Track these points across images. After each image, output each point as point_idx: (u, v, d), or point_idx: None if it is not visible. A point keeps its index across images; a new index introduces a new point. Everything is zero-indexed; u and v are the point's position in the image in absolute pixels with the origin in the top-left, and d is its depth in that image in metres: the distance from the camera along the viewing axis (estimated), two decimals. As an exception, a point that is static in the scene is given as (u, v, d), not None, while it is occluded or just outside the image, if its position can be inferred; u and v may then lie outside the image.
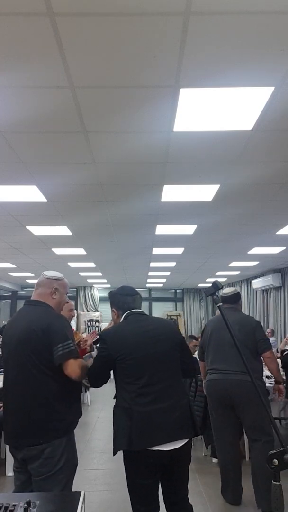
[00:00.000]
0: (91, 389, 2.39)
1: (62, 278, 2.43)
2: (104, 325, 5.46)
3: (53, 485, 2.09)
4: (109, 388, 2.49)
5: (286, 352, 5.84)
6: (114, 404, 2.27)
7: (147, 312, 2.49)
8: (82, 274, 11.74)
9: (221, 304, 2.14)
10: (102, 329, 3.81)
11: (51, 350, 2.14)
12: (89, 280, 13.69)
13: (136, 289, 2.52)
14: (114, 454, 2.19)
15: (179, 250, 8.00)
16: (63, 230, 6.28)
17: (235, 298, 3.59)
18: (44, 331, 2.16)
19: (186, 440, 2.17)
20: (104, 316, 15.44)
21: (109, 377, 2.34)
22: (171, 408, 2.15)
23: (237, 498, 3.41)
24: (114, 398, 2.31)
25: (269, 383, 4.99)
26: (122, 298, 2.42)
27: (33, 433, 2.13)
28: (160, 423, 2.12)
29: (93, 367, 2.31)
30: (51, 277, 2.38)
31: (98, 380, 2.31)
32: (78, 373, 2.15)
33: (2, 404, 4.36)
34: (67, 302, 2.71)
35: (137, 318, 2.35)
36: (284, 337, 9.47)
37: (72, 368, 2.14)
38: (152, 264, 9.87)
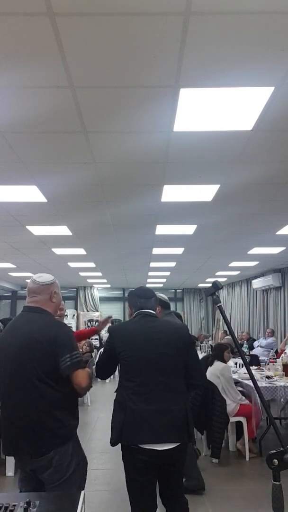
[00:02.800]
0: (91, 389, 2.39)
1: (55, 280, 2.39)
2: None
3: (68, 489, 2.08)
4: (109, 388, 2.50)
5: None
6: (115, 397, 2.34)
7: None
8: (82, 274, 11.74)
9: (220, 304, 2.14)
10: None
11: (57, 361, 2.09)
12: (89, 280, 13.68)
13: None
14: (111, 445, 2.26)
15: (179, 250, 8.00)
16: (63, 230, 6.28)
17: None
18: (50, 341, 2.11)
19: (177, 443, 2.20)
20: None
21: (115, 370, 2.46)
22: (162, 411, 2.18)
23: None
24: (115, 392, 2.37)
25: (269, 383, 5.00)
26: (136, 298, 2.48)
27: (35, 443, 2.10)
28: (150, 423, 2.16)
29: (100, 359, 2.45)
30: (47, 282, 2.31)
31: (104, 372, 2.47)
32: (87, 383, 2.14)
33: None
34: None
35: (145, 319, 2.39)
36: (284, 337, 9.47)
37: (81, 377, 2.11)
38: (152, 264, 9.87)
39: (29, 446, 2.11)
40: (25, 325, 2.22)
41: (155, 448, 2.14)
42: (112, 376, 2.76)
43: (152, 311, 2.45)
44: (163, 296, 3.34)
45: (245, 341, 9.98)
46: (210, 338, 12.40)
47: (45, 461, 2.09)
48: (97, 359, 2.49)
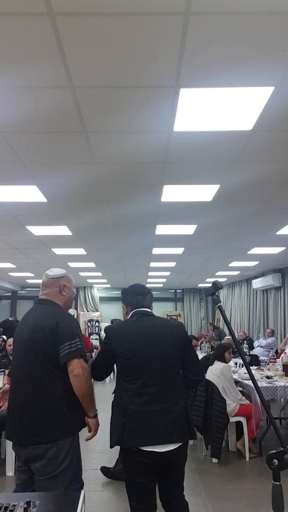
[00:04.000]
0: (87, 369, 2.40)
1: (66, 273, 2.45)
2: (104, 325, 5.45)
3: (55, 485, 2.09)
4: (109, 388, 2.50)
5: None
6: (112, 399, 2.31)
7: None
8: (82, 274, 11.74)
9: (220, 304, 2.14)
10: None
11: (57, 349, 2.13)
12: (89, 280, 13.68)
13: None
14: (110, 447, 2.24)
15: (179, 250, 8.00)
16: (63, 230, 6.28)
17: None
18: (52, 329, 2.16)
19: (179, 444, 2.18)
20: (104, 316, 15.45)
21: (111, 371, 2.41)
22: (164, 412, 2.17)
23: None
24: (112, 393, 2.35)
25: (269, 383, 5.00)
26: (132, 296, 2.44)
27: (36, 431, 2.13)
28: (152, 425, 2.14)
29: (96, 360, 2.41)
30: (56, 275, 2.39)
31: (100, 373, 2.41)
32: (79, 373, 2.13)
33: (1, 404, 4.37)
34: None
35: (143, 318, 2.36)
36: (284, 337, 9.46)
37: (75, 366, 2.13)
38: (152, 264, 9.87)
39: (29, 432, 2.14)
40: (33, 316, 2.31)
41: (156, 450, 2.12)
42: (112, 376, 2.74)
43: (149, 310, 2.43)
44: None
45: (242, 341, 9.97)
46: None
47: (41, 450, 2.10)
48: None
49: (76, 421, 2.22)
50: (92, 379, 2.38)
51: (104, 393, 8.07)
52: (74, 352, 2.13)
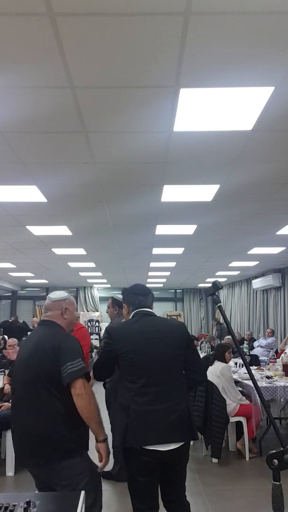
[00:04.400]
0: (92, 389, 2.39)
1: (68, 297, 2.46)
2: (105, 325, 5.44)
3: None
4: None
5: None
6: (115, 399, 2.33)
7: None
8: (82, 274, 11.74)
9: (220, 304, 2.14)
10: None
11: (59, 369, 2.10)
12: (89, 280, 13.68)
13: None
14: (113, 447, 2.25)
15: (179, 250, 8.00)
16: (63, 230, 6.28)
17: None
18: (54, 348, 2.14)
19: (181, 443, 2.18)
20: (104, 316, 15.42)
21: (113, 371, 2.40)
22: (166, 411, 2.17)
23: None
24: (115, 392, 2.35)
25: (269, 383, 5.00)
26: (134, 296, 2.44)
27: (32, 452, 2.11)
28: (155, 424, 2.14)
29: (98, 360, 2.41)
30: (58, 298, 2.40)
31: (102, 374, 2.43)
32: (82, 392, 2.07)
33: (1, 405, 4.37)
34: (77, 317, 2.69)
35: (144, 318, 2.36)
36: (284, 337, 9.46)
37: (78, 386, 2.08)
38: (152, 264, 9.86)
39: (28, 454, 2.13)
40: (36, 336, 2.33)
41: (158, 449, 2.12)
42: None
43: (150, 310, 2.43)
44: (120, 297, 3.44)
45: (249, 340, 10.01)
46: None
47: (52, 473, 2.09)
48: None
49: (76, 443, 2.16)
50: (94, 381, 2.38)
51: (104, 393, 8.06)
52: (77, 372, 2.10)
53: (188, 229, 6.28)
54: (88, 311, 15.79)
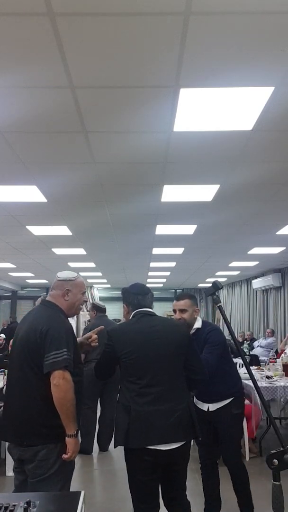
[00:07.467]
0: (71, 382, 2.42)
1: (75, 278, 2.35)
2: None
3: (47, 487, 2.05)
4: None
5: None
6: (117, 399, 2.32)
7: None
8: (82, 274, 11.73)
9: (220, 304, 2.14)
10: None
11: (43, 356, 2.07)
12: (89, 280, 13.68)
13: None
14: (114, 447, 2.26)
15: (179, 250, 8.00)
16: (63, 230, 6.28)
17: None
18: (41, 334, 2.11)
19: (183, 442, 2.19)
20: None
21: (114, 371, 2.41)
22: (168, 412, 2.17)
23: None
24: (117, 393, 2.36)
25: (269, 383, 4.99)
26: (133, 296, 2.43)
27: (25, 433, 2.11)
28: (156, 424, 2.14)
29: (99, 361, 2.42)
30: (62, 278, 2.33)
31: (103, 374, 2.46)
32: (59, 383, 2.03)
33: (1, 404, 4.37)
34: (85, 301, 2.52)
35: (144, 318, 2.36)
36: (284, 337, 9.47)
37: (57, 377, 2.04)
38: (152, 264, 9.87)
39: (15, 435, 2.15)
40: (32, 316, 2.30)
41: (160, 449, 2.13)
42: None
43: (150, 310, 2.42)
44: (99, 302, 4.33)
45: (249, 340, 10.01)
46: None
47: (31, 452, 2.09)
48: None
49: (57, 429, 2.11)
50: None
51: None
52: (58, 363, 2.05)
53: (188, 229, 6.28)
54: (88, 311, 15.77)
